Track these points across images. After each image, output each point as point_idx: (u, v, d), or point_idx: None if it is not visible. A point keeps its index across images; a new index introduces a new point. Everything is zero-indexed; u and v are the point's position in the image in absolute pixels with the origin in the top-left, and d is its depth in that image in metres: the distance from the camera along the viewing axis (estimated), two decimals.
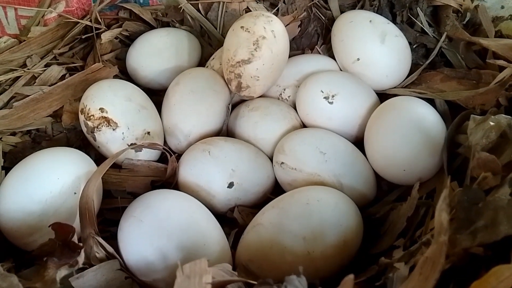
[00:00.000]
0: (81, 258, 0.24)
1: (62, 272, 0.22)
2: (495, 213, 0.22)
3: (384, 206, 0.33)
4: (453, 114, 0.37)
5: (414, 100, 0.36)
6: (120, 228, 0.30)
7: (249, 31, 0.39)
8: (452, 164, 0.32)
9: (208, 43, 0.52)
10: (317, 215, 0.29)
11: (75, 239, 0.25)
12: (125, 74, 0.48)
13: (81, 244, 0.25)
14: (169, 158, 0.36)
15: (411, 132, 0.33)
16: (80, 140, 0.41)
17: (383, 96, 0.41)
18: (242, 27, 0.40)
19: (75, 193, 0.31)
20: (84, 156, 0.35)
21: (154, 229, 0.28)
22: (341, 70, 0.43)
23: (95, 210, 0.30)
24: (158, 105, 0.42)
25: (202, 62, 0.49)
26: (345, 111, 0.38)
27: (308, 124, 0.40)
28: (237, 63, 0.39)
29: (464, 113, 0.34)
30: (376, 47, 0.40)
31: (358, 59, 0.41)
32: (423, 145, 0.33)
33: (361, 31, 0.41)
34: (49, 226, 0.26)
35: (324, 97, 0.38)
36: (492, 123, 0.29)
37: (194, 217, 0.30)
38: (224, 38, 0.50)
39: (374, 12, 0.43)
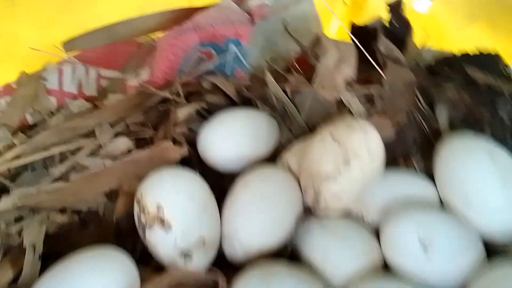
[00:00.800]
0: None
1: None
2: None
3: None
4: None
5: None
6: None
7: (339, 143, 0.34)
8: None
9: (289, 128, 0.47)
10: None
11: None
12: (194, 149, 0.45)
13: None
14: (220, 282, 0.31)
15: None
16: (130, 226, 0.37)
17: (492, 251, 0.33)
18: (332, 135, 0.34)
19: None
20: (128, 265, 0.30)
21: None
22: (441, 201, 0.36)
23: None
24: (221, 192, 0.38)
25: (278, 147, 0.44)
26: (444, 265, 0.31)
27: (394, 267, 0.33)
28: (319, 176, 0.34)
29: None
30: (494, 190, 0.32)
31: (468, 199, 0.33)
32: None
33: (477, 166, 0.33)
34: None
35: (420, 242, 0.31)
36: None
37: None
38: (307, 125, 0.45)
39: (495, 140, 0.36)
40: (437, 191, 0.37)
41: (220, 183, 0.40)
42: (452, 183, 0.35)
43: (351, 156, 0.33)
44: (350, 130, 0.34)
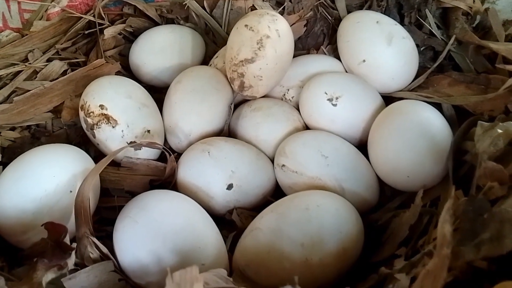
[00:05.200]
0: (71, 261, 0.23)
1: (49, 276, 0.22)
2: (501, 225, 0.21)
3: (386, 213, 0.32)
4: (460, 119, 0.36)
5: (420, 104, 0.35)
6: (116, 229, 0.29)
7: (253, 30, 0.39)
8: (458, 171, 0.31)
9: (213, 41, 0.51)
10: (317, 221, 0.28)
11: (67, 239, 0.24)
12: (128, 71, 0.48)
13: (73, 246, 0.24)
14: (168, 157, 0.36)
15: (416, 138, 0.32)
16: (80, 137, 0.40)
17: (388, 99, 0.40)
18: (246, 25, 0.39)
19: (70, 191, 0.31)
20: (82, 153, 0.34)
21: (149, 231, 0.28)
22: (346, 71, 0.43)
23: (91, 209, 0.29)
24: (160, 103, 0.42)
25: (206, 60, 0.49)
26: (349, 114, 0.37)
27: (311, 126, 0.39)
28: (240, 62, 0.39)
29: (472, 119, 0.33)
30: (382, 49, 0.39)
31: (364, 61, 0.40)
32: (428, 151, 0.32)
33: (367, 32, 0.40)
34: (42, 225, 0.25)
35: (328, 99, 0.37)
36: (500, 131, 0.28)
37: (191, 220, 0.29)
38: (229, 36, 0.50)
39: (381, 13, 0.42)
40: (343, 65, 0.43)
41: (157, 95, 0.43)
42: (350, 52, 0.41)
43: (263, 39, 0.38)
44: (260, 17, 0.39)
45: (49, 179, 0.30)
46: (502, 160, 0.26)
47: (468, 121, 0.33)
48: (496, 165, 0.24)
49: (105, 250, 0.27)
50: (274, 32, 0.39)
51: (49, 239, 0.24)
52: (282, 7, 0.49)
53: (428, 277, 0.19)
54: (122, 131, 0.37)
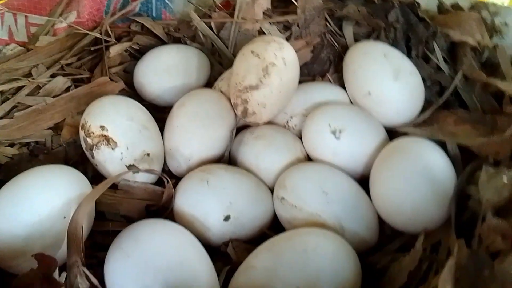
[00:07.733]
0: None
1: None
2: (503, 286, 0.20)
3: (386, 256, 0.32)
4: (465, 159, 0.35)
5: (424, 143, 0.35)
6: (107, 260, 0.28)
7: (259, 57, 0.38)
8: (461, 216, 0.31)
9: (219, 62, 0.51)
10: (314, 264, 0.27)
11: (56, 272, 0.24)
12: (131, 88, 0.48)
13: (62, 276, 0.24)
14: (165, 184, 0.35)
15: (419, 178, 0.32)
16: (79, 156, 0.40)
17: (393, 133, 0.39)
18: (252, 52, 0.39)
19: (64, 217, 0.30)
20: (79, 175, 0.34)
21: (140, 265, 0.27)
22: (351, 102, 0.42)
23: (84, 235, 0.29)
24: (162, 122, 0.41)
25: (211, 80, 0.48)
26: (352, 148, 0.37)
27: (313, 157, 0.39)
28: (244, 88, 0.38)
29: (476, 163, 0.32)
30: (389, 83, 0.39)
31: (370, 93, 0.39)
32: (431, 193, 0.31)
33: (374, 65, 0.39)
34: (33, 256, 0.24)
35: (331, 132, 0.37)
36: (505, 178, 0.27)
37: (184, 255, 0.28)
38: (235, 58, 0.50)
39: (389, 44, 0.42)
40: (348, 95, 0.43)
41: (160, 115, 0.43)
42: (356, 83, 0.41)
43: (269, 66, 0.38)
44: (266, 44, 0.39)
45: (43, 203, 0.30)
46: (506, 210, 0.26)
47: (473, 164, 0.32)
48: (500, 222, 0.23)
49: (95, 281, 0.27)
50: (280, 60, 0.38)
51: (38, 271, 0.24)
52: (289, 32, 0.49)
53: None
54: (121, 153, 0.36)
